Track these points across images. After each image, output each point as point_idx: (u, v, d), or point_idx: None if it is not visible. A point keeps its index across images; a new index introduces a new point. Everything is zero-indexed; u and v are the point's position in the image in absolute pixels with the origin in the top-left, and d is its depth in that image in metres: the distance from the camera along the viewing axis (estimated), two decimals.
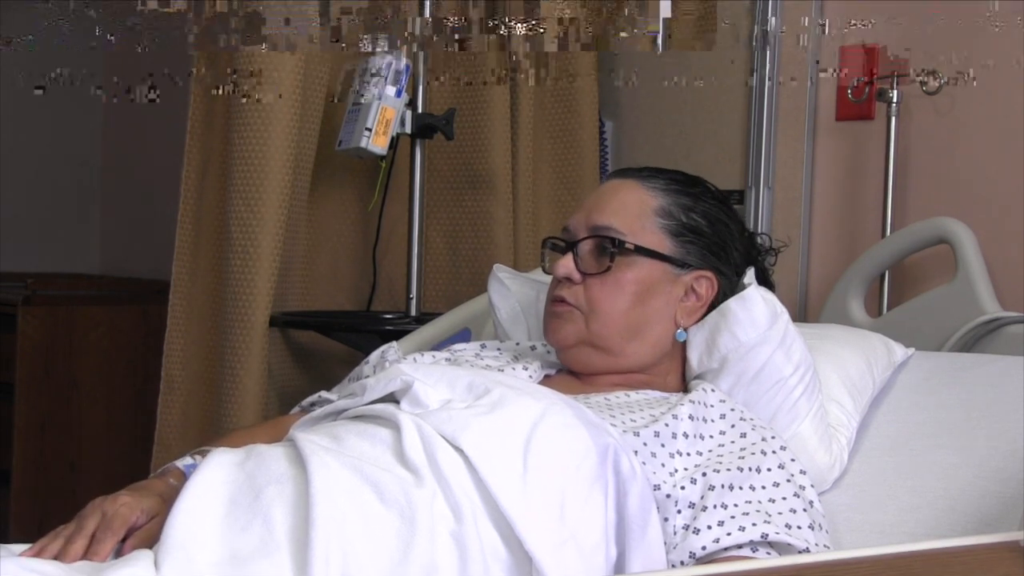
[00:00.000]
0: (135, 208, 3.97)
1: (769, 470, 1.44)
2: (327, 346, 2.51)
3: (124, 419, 3.42)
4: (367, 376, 1.66)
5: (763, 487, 1.43)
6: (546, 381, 1.63)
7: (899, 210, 2.28)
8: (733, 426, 1.51)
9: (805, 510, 1.42)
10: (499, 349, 1.73)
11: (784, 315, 1.62)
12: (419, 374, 1.45)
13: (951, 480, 1.59)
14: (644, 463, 1.40)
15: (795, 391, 1.62)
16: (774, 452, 1.47)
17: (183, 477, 1.36)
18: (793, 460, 1.48)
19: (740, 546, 1.37)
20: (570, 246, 1.63)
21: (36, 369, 3.30)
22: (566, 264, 1.61)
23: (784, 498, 1.42)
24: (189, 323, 2.42)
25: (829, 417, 1.68)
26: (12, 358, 3.28)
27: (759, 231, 2.46)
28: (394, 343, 1.77)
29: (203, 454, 1.41)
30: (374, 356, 1.72)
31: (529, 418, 1.34)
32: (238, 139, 2.29)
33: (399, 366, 1.49)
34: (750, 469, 1.43)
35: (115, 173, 4.10)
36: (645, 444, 1.42)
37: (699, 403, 1.52)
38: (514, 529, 1.24)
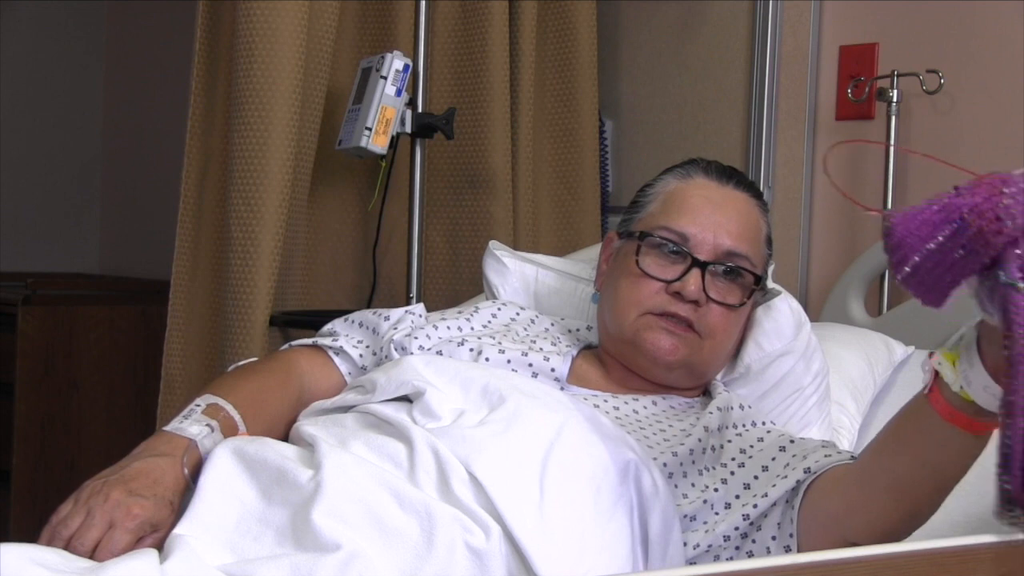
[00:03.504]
0: (135, 208, 3.97)
1: (792, 442, 1.43)
2: None
3: (124, 419, 3.42)
4: (387, 334, 1.59)
5: (791, 442, 1.42)
6: (573, 368, 1.57)
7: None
8: (747, 428, 1.50)
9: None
10: (526, 328, 1.65)
11: (807, 324, 1.61)
12: (431, 370, 1.40)
13: None
14: (676, 485, 1.38)
15: (810, 400, 1.62)
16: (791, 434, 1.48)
17: (198, 463, 1.31)
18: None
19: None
20: (697, 263, 1.51)
21: (36, 369, 3.30)
22: (697, 284, 1.50)
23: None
24: (189, 323, 2.42)
25: (832, 419, 1.68)
26: (12, 358, 3.28)
27: None
28: (421, 305, 1.67)
29: (212, 416, 1.37)
30: (396, 313, 1.62)
31: (545, 437, 1.28)
32: (238, 139, 2.29)
33: (412, 363, 1.43)
34: (775, 447, 1.43)
35: (115, 173, 4.10)
36: (681, 464, 1.40)
37: (724, 409, 1.50)
38: (531, 565, 1.18)
